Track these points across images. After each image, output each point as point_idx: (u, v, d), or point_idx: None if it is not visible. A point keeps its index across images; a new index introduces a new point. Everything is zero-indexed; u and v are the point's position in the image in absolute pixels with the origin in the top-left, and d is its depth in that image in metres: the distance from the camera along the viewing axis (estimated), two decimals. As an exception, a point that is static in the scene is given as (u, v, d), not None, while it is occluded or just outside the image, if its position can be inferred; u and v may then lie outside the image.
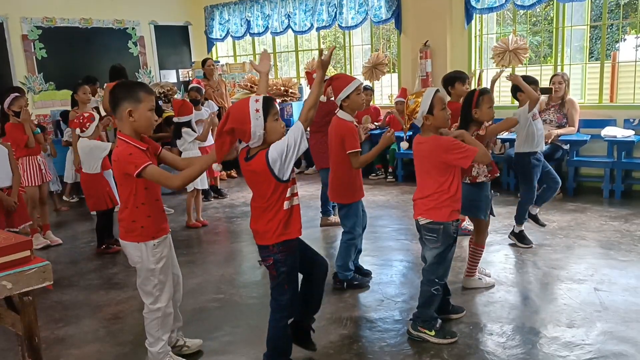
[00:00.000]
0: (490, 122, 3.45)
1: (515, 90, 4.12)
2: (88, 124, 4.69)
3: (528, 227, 4.45)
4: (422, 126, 2.84)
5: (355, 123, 3.57)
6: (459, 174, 2.82)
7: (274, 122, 2.29)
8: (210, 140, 6.05)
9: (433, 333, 2.88)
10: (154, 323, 2.64)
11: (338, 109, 3.56)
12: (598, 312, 3.13)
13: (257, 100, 2.27)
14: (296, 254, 2.46)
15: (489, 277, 3.68)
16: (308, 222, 5.28)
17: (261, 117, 2.25)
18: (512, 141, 6.09)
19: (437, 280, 2.89)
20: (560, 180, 4.42)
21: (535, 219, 4.52)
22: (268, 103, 2.29)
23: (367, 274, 3.83)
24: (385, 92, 8.60)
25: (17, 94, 4.93)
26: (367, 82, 7.79)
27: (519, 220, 4.32)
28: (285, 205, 2.35)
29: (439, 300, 2.94)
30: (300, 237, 2.48)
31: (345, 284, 3.66)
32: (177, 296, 2.81)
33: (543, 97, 5.28)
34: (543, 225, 4.56)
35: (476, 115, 3.29)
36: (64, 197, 6.85)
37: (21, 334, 1.93)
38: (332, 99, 4.85)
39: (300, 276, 2.59)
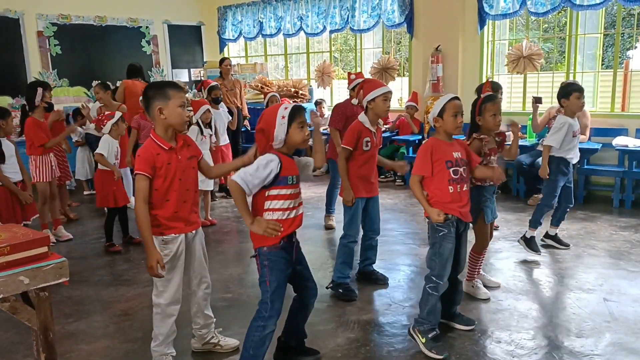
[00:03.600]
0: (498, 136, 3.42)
1: (560, 97, 4.13)
2: (106, 121, 4.73)
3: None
4: (434, 128, 2.88)
5: (373, 129, 3.54)
6: (443, 172, 2.80)
7: (297, 129, 2.42)
8: (226, 140, 6.09)
9: (424, 340, 2.85)
10: (156, 317, 2.71)
11: (362, 112, 3.59)
12: (607, 323, 3.12)
13: (286, 108, 2.42)
14: (284, 252, 2.46)
15: (497, 284, 3.68)
16: (317, 224, 5.31)
17: (285, 123, 2.39)
18: (522, 147, 6.09)
19: (433, 278, 2.86)
20: (573, 202, 4.34)
21: (555, 239, 4.42)
22: (295, 112, 2.42)
23: (379, 279, 3.81)
24: (395, 95, 8.60)
25: (43, 88, 5.00)
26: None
27: (533, 223, 4.23)
28: (267, 215, 2.43)
29: (433, 303, 2.87)
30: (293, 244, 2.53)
31: (332, 284, 3.67)
32: (200, 295, 2.83)
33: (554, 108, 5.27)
34: (567, 245, 4.39)
35: (480, 122, 3.27)
36: (84, 192, 7.15)
37: (36, 329, 1.95)
38: (355, 103, 4.89)
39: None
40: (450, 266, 2.88)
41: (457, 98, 2.84)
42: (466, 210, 2.87)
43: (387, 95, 3.47)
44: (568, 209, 4.36)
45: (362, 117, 3.55)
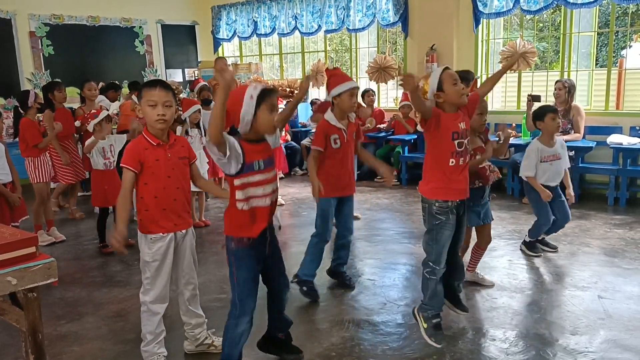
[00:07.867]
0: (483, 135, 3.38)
1: (535, 120, 4.12)
2: (90, 120, 4.66)
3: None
4: (438, 106, 2.76)
5: (341, 126, 3.40)
6: (447, 144, 2.70)
7: (266, 111, 2.27)
8: None
9: (425, 325, 2.84)
10: (143, 315, 2.70)
11: (328, 110, 3.46)
12: (602, 320, 3.12)
13: (255, 88, 2.28)
14: (252, 250, 2.39)
15: (492, 283, 3.67)
16: (310, 224, 5.26)
17: (254, 103, 2.25)
18: (518, 146, 6.09)
19: (430, 263, 2.82)
20: (570, 217, 4.20)
21: (543, 242, 4.35)
22: (265, 93, 2.27)
23: (345, 283, 3.69)
24: (391, 95, 8.60)
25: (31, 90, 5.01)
26: (370, 84, 7.79)
27: (532, 235, 4.21)
28: (239, 205, 2.33)
29: (433, 287, 2.83)
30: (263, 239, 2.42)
31: (296, 279, 3.55)
32: (187, 295, 2.78)
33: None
34: (555, 248, 4.32)
35: None
36: (78, 193, 6.99)
37: (25, 330, 1.93)
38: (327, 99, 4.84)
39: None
40: (447, 251, 2.82)
41: (448, 67, 2.77)
42: (465, 187, 2.80)
43: (353, 91, 3.35)
44: (564, 225, 4.23)
45: (327, 114, 3.43)
